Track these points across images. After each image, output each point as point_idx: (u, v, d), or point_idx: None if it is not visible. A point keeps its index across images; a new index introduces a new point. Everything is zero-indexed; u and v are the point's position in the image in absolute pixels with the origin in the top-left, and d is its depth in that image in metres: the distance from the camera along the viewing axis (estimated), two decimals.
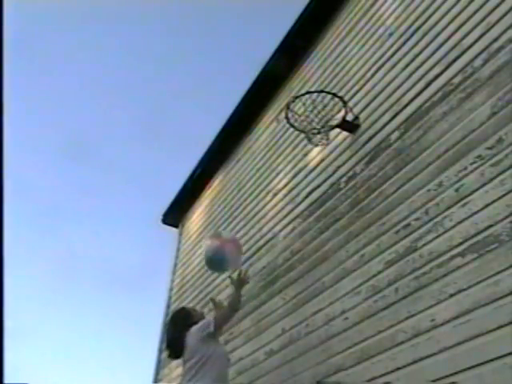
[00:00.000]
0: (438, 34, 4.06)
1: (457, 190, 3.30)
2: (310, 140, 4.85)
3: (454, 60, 3.79)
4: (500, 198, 3.00)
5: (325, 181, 4.91)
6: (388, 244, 3.75)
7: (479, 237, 3.01)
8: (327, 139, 4.78)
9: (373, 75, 4.75)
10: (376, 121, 4.46)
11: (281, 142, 6.06)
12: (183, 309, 4.22)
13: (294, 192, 5.41)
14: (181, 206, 8.32)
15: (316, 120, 4.75)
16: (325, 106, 4.74)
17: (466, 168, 3.31)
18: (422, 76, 4.07)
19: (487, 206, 3.05)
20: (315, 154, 5.22)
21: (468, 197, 3.19)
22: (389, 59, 4.59)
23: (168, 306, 7.69)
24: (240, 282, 3.78)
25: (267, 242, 5.58)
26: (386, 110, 4.37)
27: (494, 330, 2.69)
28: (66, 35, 13.48)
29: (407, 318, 3.30)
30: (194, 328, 3.74)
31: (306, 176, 5.30)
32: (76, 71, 13.73)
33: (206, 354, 3.58)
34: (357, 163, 4.51)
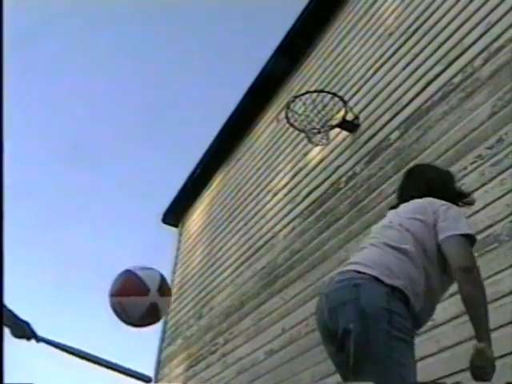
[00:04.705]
0: (438, 34, 4.06)
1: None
2: (310, 140, 4.85)
3: (454, 59, 3.79)
4: (500, 197, 3.00)
5: (325, 180, 4.91)
6: None
7: (479, 237, 3.00)
8: (327, 139, 4.78)
9: (373, 75, 4.75)
10: (376, 120, 4.46)
11: (281, 142, 6.06)
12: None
13: (294, 192, 5.41)
14: (181, 205, 8.32)
15: (316, 120, 4.75)
16: (325, 106, 4.74)
17: (466, 168, 3.31)
18: (422, 76, 4.07)
19: (487, 205, 3.05)
20: (315, 153, 5.22)
21: None
22: (389, 59, 4.59)
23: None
24: None
25: (267, 241, 5.58)
26: (386, 110, 4.37)
27: (494, 329, 2.68)
28: (64, 36, 13.49)
29: None
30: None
31: (305, 176, 5.29)
32: (74, 72, 13.73)
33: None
34: (357, 163, 4.51)
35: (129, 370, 3.09)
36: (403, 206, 2.11)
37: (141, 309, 2.47)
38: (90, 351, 2.79)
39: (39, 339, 2.71)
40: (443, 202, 2.05)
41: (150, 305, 2.47)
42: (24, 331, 2.67)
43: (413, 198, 2.12)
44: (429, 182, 2.20)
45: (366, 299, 1.76)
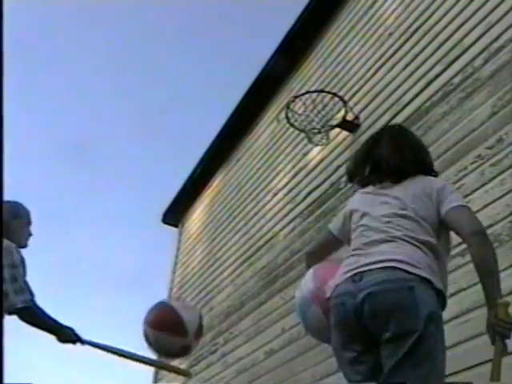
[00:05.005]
0: (438, 34, 4.06)
1: (457, 190, 3.30)
2: (310, 140, 4.86)
3: (455, 59, 3.79)
4: (500, 197, 3.00)
5: (325, 180, 4.91)
6: None
7: None
8: (327, 139, 4.78)
9: (373, 75, 4.75)
10: (376, 120, 4.46)
11: (281, 142, 6.06)
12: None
13: (294, 191, 5.41)
14: (181, 205, 8.32)
15: (316, 120, 4.75)
16: (325, 106, 4.74)
17: (466, 168, 3.31)
18: (422, 76, 4.07)
19: (487, 205, 3.05)
20: (315, 153, 5.22)
21: (468, 196, 3.18)
22: (389, 59, 4.59)
23: None
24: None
25: (267, 241, 5.58)
26: (386, 110, 4.37)
27: None
28: (64, 36, 13.49)
29: None
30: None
31: (306, 175, 5.29)
32: (75, 72, 13.74)
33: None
34: None
35: (168, 365, 3.18)
36: (406, 188, 1.95)
37: (175, 348, 2.57)
38: (129, 350, 2.89)
39: (84, 342, 2.79)
40: (438, 179, 2.04)
41: (185, 346, 2.58)
42: (69, 337, 2.75)
43: (405, 174, 2.00)
44: (422, 157, 2.10)
45: (423, 304, 1.71)
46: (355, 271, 1.83)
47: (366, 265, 1.82)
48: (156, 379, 7.07)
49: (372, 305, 1.73)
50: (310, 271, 2.11)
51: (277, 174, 5.93)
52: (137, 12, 12.70)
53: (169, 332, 2.51)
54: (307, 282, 2.07)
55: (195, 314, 2.67)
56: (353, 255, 1.93)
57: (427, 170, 2.07)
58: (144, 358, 2.87)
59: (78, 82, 14.17)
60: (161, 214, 8.55)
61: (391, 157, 2.04)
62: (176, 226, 8.63)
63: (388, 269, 1.78)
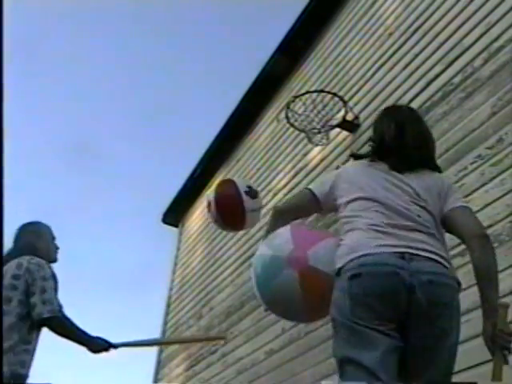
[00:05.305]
0: (438, 34, 4.06)
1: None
2: (310, 140, 4.85)
3: (455, 59, 3.79)
4: (500, 197, 3.00)
5: None
6: None
7: None
8: (327, 139, 4.78)
9: (373, 75, 4.75)
10: None
11: (281, 142, 6.06)
12: None
13: (294, 192, 5.40)
14: (181, 205, 8.31)
15: (316, 120, 4.75)
16: (325, 106, 4.74)
17: (466, 168, 3.31)
18: (422, 75, 4.07)
19: (487, 205, 3.05)
20: (315, 153, 5.22)
21: (468, 196, 3.18)
22: (389, 59, 4.59)
23: (168, 306, 7.69)
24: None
25: None
26: None
27: None
28: (65, 36, 13.49)
29: None
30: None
31: (306, 175, 5.29)
32: (75, 73, 13.75)
33: None
34: None
35: (203, 336, 3.32)
36: (417, 178, 1.87)
37: (222, 228, 2.87)
38: (160, 338, 2.99)
39: (116, 346, 2.82)
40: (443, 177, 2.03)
41: (231, 231, 3.20)
42: (101, 346, 2.78)
43: (421, 166, 1.93)
44: (432, 150, 2.03)
45: (459, 307, 1.74)
46: (401, 249, 1.68)
47: (417, 249, 1.69)
48: (156, 379, 7.07)
49: (431, 294, 1.64)
50: (287, 231, 1.93)
51: (277, 174, 5.92)
52: (137, 12, 12.70)
53: (226, 221, 2.69)
54: (285, 241, 1.91)
55: (257, 217, 2.75)
56: (373, 230, 1.73)
57: (436, 165, 2.04)
58: (175, 339, 3.02)
59: (78, 82, 14.18)
60: (161, 213, 8.56)
61: (421, 146, 1.96)
62: (176, 226, 8.62)
63: (437, 262, 1.71)
